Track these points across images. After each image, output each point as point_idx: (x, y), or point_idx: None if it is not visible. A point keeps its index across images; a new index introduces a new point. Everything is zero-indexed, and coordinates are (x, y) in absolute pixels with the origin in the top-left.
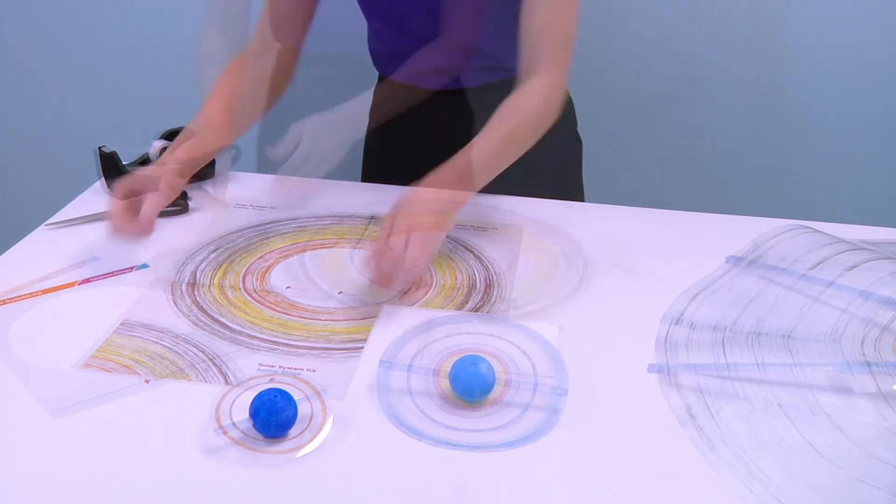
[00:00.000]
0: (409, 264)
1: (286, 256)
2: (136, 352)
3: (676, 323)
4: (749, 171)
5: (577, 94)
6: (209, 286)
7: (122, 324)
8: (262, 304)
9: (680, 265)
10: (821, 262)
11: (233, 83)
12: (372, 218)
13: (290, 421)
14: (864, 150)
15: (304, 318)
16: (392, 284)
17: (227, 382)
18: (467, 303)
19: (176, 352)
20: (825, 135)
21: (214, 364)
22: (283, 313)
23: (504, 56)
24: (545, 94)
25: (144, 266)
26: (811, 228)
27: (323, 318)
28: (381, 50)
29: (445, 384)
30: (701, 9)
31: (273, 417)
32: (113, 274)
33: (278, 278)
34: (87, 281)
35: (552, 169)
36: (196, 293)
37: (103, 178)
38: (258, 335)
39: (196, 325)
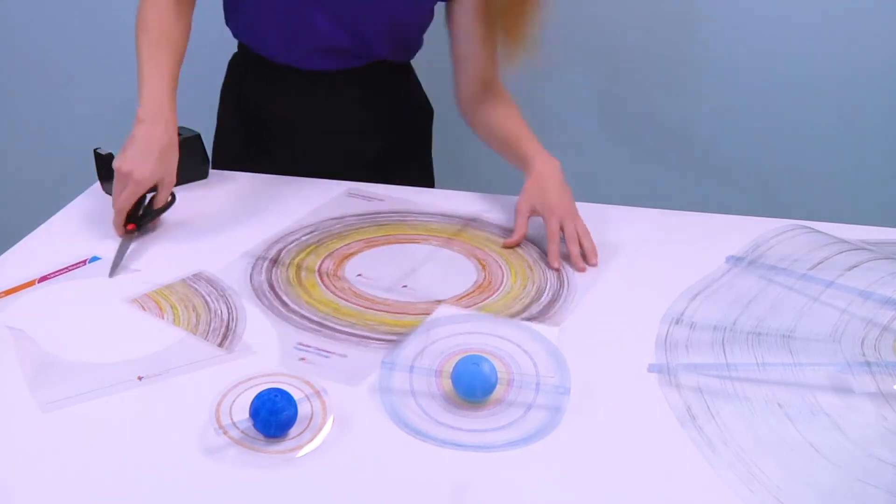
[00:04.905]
0: (586, 234)
1: (372, 246)
2: (181, 299)
3: (676, 323)
4: (749, 171)
5: (580, 94)
6: (288, 266)
7: (194, 274)
8: (327, 289)
9: (680, 265)
10: (821, 262)
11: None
12: (471, 220)
13: (290, 421)
14: (864, 150)
15: (361, 306)
16: (590, 258)
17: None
18: (524, 312)
19: (211, 310)
20: (825, 135)
21: (227, 331)
22: (344, 299)
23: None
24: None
25: (95, 259)
26: (811, 228)
27: (378, 309)
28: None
29: (448, 384)
30: (703, 8)
31: (273, 417)
32: (69, 269)
33: (354, 266)
34: (45, 278)
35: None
36: (273, 270)
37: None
38: (310, 316)
39: (258, 298)
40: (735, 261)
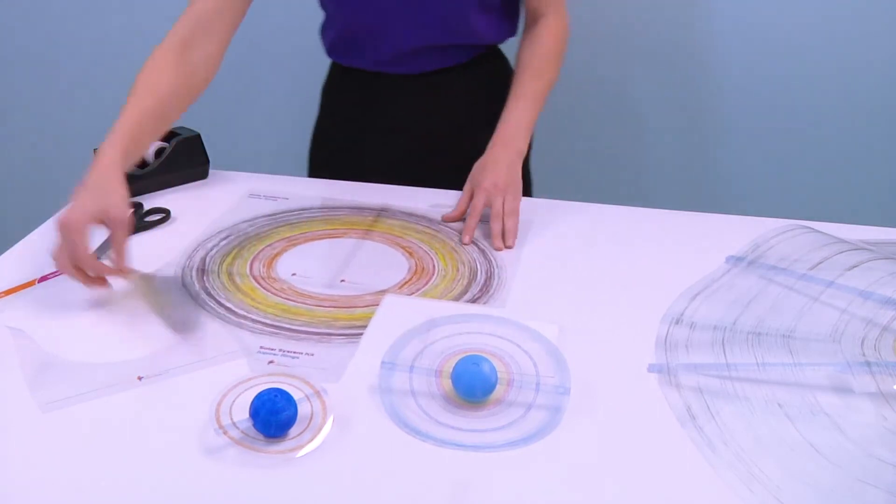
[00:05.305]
0: (512, 213)
1: (294, 245)
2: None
3: (676, 323)
4: (749, 171)
5: (579, 94)
6: (218, 273)
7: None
8: (268, 291)
9: (680, 265)
10: (821, 262)
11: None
12: (382, 210)
13: (290, 421)
14: (864, 150)
15: (308, 304)
16: (507, 239)
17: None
18: (466, 293)
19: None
20: (825, 135)
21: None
22: (288, 299)
23: (461, 36)
24: (554, 33)
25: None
26: (811, 228)
27: (326, 305)
28: (340, 37)
29: (448, 384)
30: (702, 8)
31: (273, 417)
32: None
33: (285, 265)
34: (45, 278)
35: None
36: (205, 278)
37: None
38: (262, 320)
39: (203, 308)
40: (735, 261)
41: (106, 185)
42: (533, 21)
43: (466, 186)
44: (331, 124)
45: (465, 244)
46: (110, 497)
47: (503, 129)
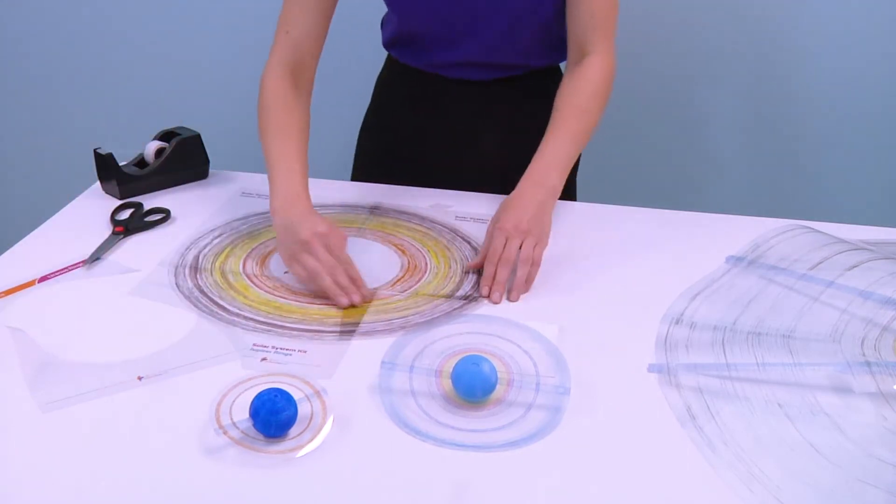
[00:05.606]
0: (528, 262)
1: None
2: None
3: (676, 323)
4: (749, 171)
5: None
6: (211, 271)
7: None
8: (260, 289)
9: (680, 265)
10: (821, 262)
11: (298, 140)
12: (374, 208)
13: (290, 421)
14: (864, 150)
15: (301, 302)
16: (512, 293)
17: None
18: (458, 290)
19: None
20: (825, 135)
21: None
22: (281, 297)
23: (515, 55)
24: (601, 72)
25: (96, 258)
26: (811, 228)
27: (319, 303)
28: (404, 36)
29: (448, 384)
30: (702, 8)
31: (273, 417)
32: (69, 269)
33: (278, 264)
34: (45, 278)
35: None
36: (198, 276)
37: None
38: (255, 317)
39: (196, 306)
40: (735, 261)
41: (312, 217)
42: (579, 57)
43: (489, 227)
44: (382, 115)
45: (484, 296)
46: (110, 497)
47: (536, 165)
